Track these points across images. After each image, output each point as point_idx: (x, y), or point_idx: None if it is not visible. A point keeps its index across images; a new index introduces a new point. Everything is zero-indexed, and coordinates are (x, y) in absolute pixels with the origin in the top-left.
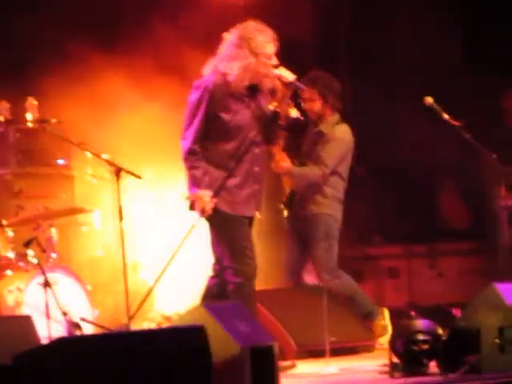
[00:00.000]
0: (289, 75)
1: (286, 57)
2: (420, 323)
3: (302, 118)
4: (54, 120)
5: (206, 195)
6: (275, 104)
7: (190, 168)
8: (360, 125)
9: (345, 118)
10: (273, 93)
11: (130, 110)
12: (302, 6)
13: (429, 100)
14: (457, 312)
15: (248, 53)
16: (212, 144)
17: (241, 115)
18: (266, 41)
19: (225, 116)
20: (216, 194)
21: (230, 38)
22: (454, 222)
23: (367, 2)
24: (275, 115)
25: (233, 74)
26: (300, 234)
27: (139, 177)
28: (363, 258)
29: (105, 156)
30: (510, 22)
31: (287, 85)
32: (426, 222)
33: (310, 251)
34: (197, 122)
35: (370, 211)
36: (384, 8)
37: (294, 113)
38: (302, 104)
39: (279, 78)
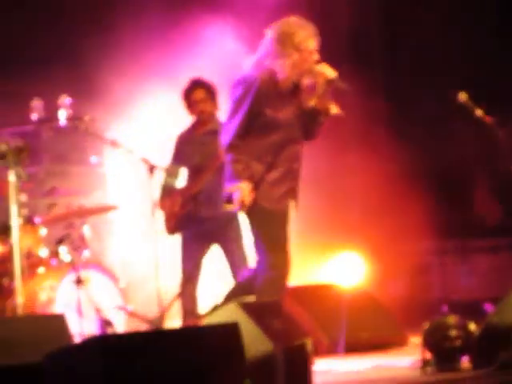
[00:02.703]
0: (330, 72)
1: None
2: (452, 319)
3: (343, 115)
4: (87, 118)
5: (246, 187)
6: (316, 101)
7: (231, 162)
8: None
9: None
10: (313, 89)
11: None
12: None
13: (462, 96)
14: (489, 308)
15: (292, 49)
16: (253, 138)
17: (284, 112)
18: (308, 36)
19: (269, 112)
20: (255, 188)
21: (271, 33)
22: (486, 218)
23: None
24: (316, 112)
25: (283, 71)
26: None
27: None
28: (397, 254)
29: (137, 153)
30: None
31: (328, 82)
32: (459, 219)
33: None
34: (240, 116)
35: (402, 208)
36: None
37: (335, 109)
38: None
39: (321, 74)
